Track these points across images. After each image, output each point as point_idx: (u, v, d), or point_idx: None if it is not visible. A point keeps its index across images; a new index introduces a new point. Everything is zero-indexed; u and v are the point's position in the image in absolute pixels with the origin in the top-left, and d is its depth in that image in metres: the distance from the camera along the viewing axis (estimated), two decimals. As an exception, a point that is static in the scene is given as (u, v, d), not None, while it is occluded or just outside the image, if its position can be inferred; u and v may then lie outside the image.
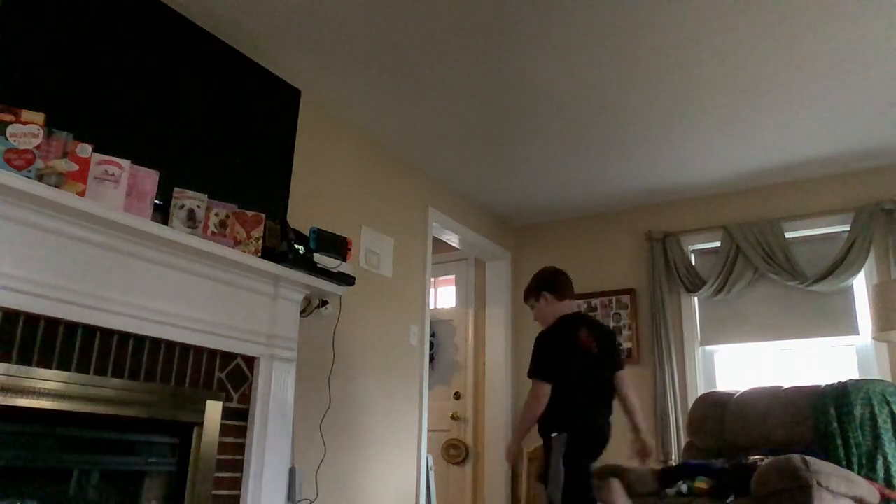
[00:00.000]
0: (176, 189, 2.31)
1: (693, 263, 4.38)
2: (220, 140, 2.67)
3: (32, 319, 1.91)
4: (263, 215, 2.57)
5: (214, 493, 2.36)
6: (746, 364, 4.20)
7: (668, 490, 2.98)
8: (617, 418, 2.69)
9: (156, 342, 2.24)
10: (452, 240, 4.60)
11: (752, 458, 2.89)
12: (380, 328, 3.62)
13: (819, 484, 2.43)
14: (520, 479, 4.42)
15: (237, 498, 2.44)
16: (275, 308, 2.64)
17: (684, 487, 2.91)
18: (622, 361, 2.83)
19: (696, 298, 4.36)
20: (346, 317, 3.25)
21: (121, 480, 2.23)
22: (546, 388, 2.56)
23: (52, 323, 1.95)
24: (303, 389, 2.93)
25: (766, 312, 4.12)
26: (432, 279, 4.40)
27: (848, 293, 3.91)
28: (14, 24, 2.04)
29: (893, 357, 3.69)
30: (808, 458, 2.52)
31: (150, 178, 2.20)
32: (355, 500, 3.27)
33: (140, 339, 2.19)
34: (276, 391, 2.60)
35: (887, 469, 2.92)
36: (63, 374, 1.96)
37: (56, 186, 1.91)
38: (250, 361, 2.57)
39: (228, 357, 2.49)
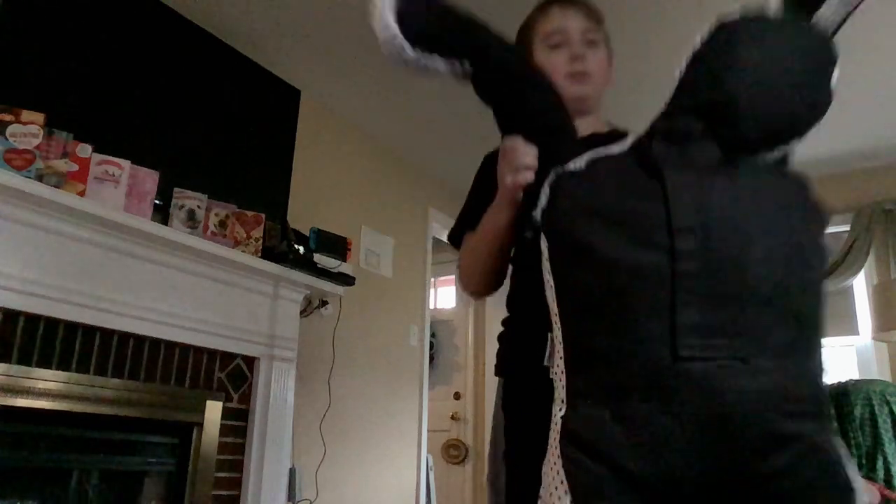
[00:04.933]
0: (176, 189, 2.31)
1: (693, 263, 4.37)
2: (220, 140, 2.67)
3: (32, 319, 1.91)
4: (263, 215, 2.57)
5: (214, 493, 2.35)
6: (746, 364, 4.20)
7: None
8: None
9: (156, 342, 2.24)
10: (452, 240, 4.60)
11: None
12: (380, 328, 3.62)
13: (819, 484, 2.43)
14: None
15: (237, 498, 2.44)
16: (275, 308, 2.64)
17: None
18: None
19: (696, 298, 4.36)
20: (345, 317, 3.25)
21: (121, 480, 2.23)
22: None
23: (52, 323, 1.95)
24: (303, 389, 2.93)
25: (766, 312, 4.12)
26: (432, 279, 4.40)
27: (848, 293, 3.91)
28: (14, 25, 2.04)
29: (893, 357, 3.69)
30: (807, 458, 2.52)
31: (150, 178, 2.20)
32: (355, 500, 3.27)
33: (140, 339, 2.19)
34: (276, 391, 2.60)
35: (887, 469, 2.92)
36: (63, 375, 1.96)
37: (56, 187, 1.91)
38: (250, 361, 2.57)
39: (228, 357, 2.48)
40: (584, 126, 1.31)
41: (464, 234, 1.38)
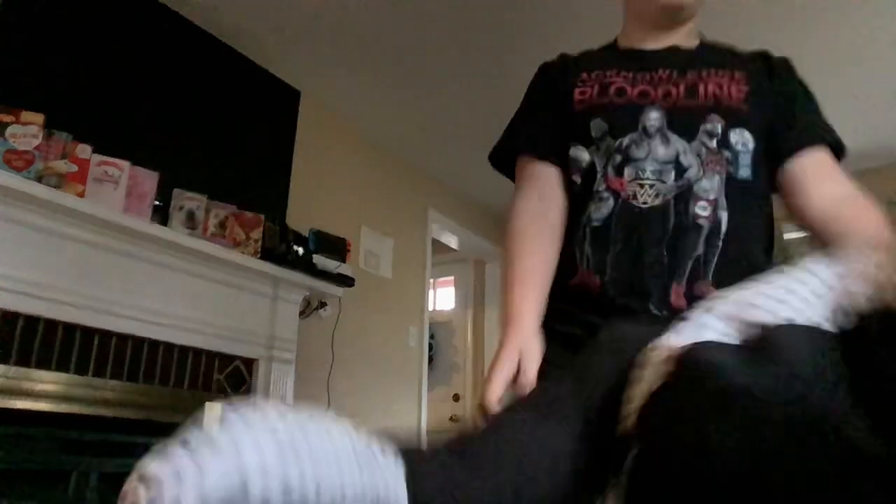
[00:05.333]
0: (175, 190, 2.31)
1: (692, 265, 4.37)
2: (220, 141, 2.66)
3: (31, 321, 1.90)
4: (263, 216, 2.56)
5: (213, 494, 2.35)
6: (746, 365, 4.20)
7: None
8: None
9: (154, 344, 2.23)
10: (452, 241, 4.60)
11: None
12: (379, 329, 3.61)
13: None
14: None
15: (236, 500, 2.43)
16: (274, 309, 2.63)
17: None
18: None
19: (695, 300, 4.36)
20: (345, 318, 3.24)
21: (120, 482, 2.21)
22: None
23: (51, 324, 1.95)
24: (302, 391, 2.92)
25: (766, 314, 4.12)
26: (431, 280, 4.40)
27: (847, 295, 3.91)
28: (14, 25, 2.04)
29: None
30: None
31: (149, 179, 2.20)
32: (354, 501, 3.27)
33: (139, 341, 2.18)
34: (275, 393, 2.60)
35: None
36: (62, 376, 1.96)
37: (56, 187, 1.90)
38: (249, 363, 2.56)
39: (227, 359, 2.48)
40: (669, 39, 1.11)
41: (508, 153, 1.17)
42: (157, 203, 2.24)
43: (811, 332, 0.53)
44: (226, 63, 2.73)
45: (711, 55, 1.12)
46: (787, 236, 4.06)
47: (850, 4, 2.53)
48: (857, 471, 0.45)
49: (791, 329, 0.53)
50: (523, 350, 0.94)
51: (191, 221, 2.31)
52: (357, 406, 3.37)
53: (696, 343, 0.57)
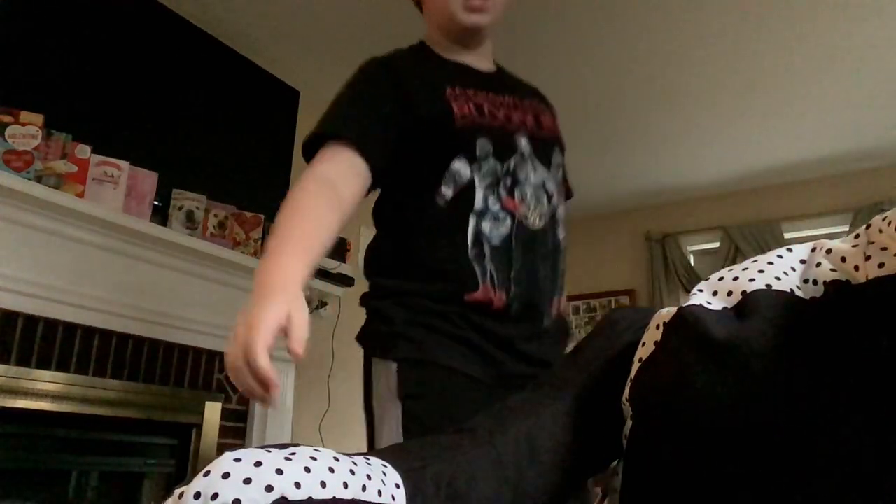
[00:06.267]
0: (175, 190, 2.31)
1: (692, 264, 4.38)
2: (220, 141, 2.67)
3: (31, 320, 1.91)
4: (263, 216, 2.57)
5: (213, 494, 2.35)
6: (746, 365, 4.19)
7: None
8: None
9: (154, 343, 2.23)
10: (452, 241, 4.60)
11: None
12: (379, 329, 3.61)
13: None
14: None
15: (236, 499, 2.43)
16: (274, 309, 2.63)
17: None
18: None
19: (695, 299, 4.35)
20: (345, 318, 3.25)
21: (120, 482, 2.23)
22: None
23: (51, 324, 1.95)
24: (302, 390, 2.93)
25: (766, 313, 4.11)
26: (431, 280, 4.39)
27: (847, 294, 3.90)
28: (14, 25, 2.04)
29: None
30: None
31: (149, 180, 2.20)
32: (354, 501, 3.27)
33: (139, 341, 2.19)
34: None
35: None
36: (62, 376, 1.96)
37: (55, 188, 1.91)
38: (249, 362, 2.56)
39: (227, 358, 2.48)
40: (475, 59, 1.22)
41: (325, 145, 1.04)
42: (156, 203, 2.25)
43: (785, 296, 0.61)
44: (225, 63, 2.74)
45: (520, 83, 1.28)
46: (786, 235, 4.07)
47: (850, 4, 2.53)
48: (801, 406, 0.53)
49: (767, 293, 0.61)
50: (293, 313, 0.90)
51: (190, 221, 2.31)
52: (357, 405, 3.37)
53: (683, 307, 0.65)
